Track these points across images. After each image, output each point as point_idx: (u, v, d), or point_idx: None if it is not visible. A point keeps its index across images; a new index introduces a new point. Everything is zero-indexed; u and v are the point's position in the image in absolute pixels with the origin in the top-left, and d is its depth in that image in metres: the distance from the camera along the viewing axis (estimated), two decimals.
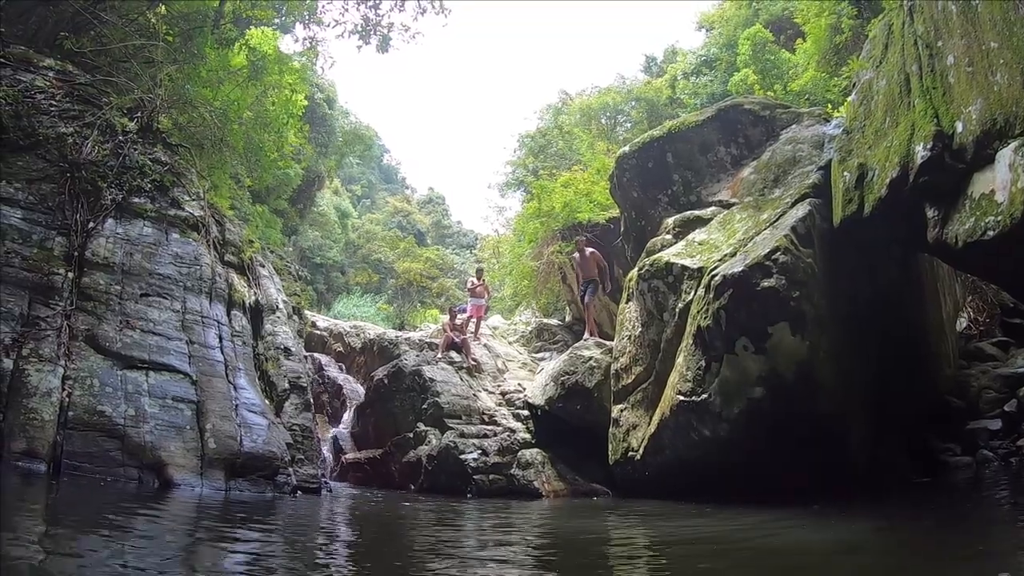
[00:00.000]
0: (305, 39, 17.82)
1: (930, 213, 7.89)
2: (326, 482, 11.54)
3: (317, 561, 5.29)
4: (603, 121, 28.27)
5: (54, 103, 10.27)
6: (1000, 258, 7.14)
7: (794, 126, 12.64)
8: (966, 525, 6.78)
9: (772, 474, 8.84)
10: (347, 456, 15.24)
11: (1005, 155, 6.71)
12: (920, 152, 7.77)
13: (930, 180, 7.71)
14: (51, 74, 10.64)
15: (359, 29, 16.97)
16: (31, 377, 7.97)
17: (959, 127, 7.32)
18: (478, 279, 19.68)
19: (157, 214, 10.48)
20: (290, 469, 9.74)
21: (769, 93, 18.65)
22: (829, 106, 14.47)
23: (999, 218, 6.72)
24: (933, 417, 10.77)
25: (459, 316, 18.50)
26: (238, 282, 11.59)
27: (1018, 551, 5.42)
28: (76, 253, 9.28)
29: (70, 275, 9.06)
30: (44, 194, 9.37)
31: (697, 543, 6.68)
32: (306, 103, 18.16)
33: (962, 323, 13.66)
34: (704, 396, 9.60)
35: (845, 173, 9.56)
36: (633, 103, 27.32)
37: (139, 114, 11.18)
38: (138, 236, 10.10)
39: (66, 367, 8.34)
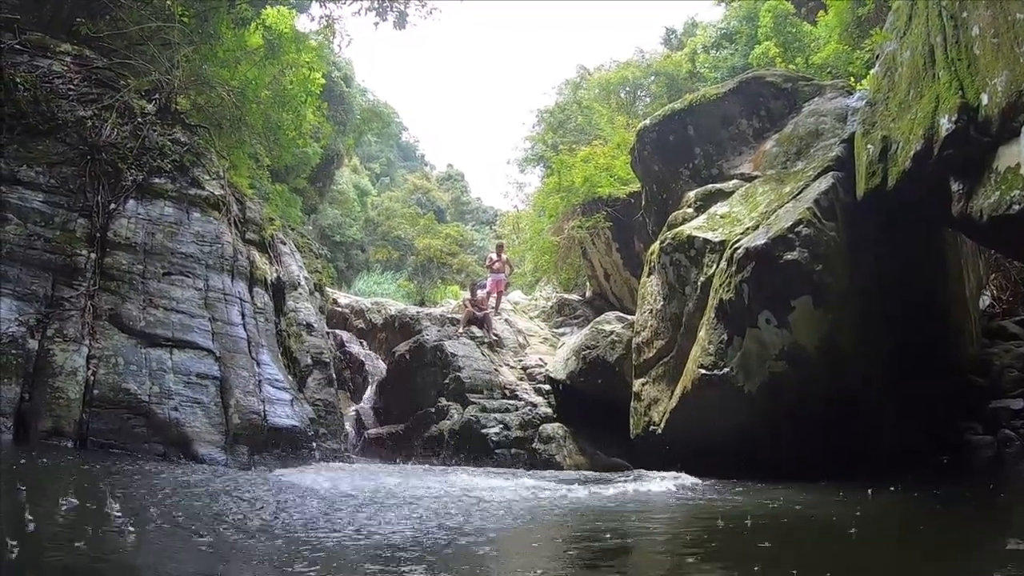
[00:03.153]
0: (321, 17, 17.82)
1: (954, 187, 7.76)
2: (349, 456, 11.63)
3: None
4: (622, 95, 28.02)
5: (72, 87, 10.33)
6: None
7: (816, 99, 12.47)
8: (985, 504, 6.78)
9: (793, 450, 8.83)
10: (369, 431, 15.31)
11: None
12: (945, 125, 7.64)
13: (955, 153, 7.58)
14: (68, 59, 10.69)
15: (376, 5, 16.91)
16: (56, 357, 8.11)
17: (984, 99, 7.18)
18: (498, 254, 19.64)
19: (178, 194, 10.55)
20: (314, 443, 9.84)
21: (791, 66, 18.39)
22: (852, 79, 14.27)
23: None
24: (955, 395, 10.68)
25: (479, 292, 18.50)
26: (259, 259, 11.66)
27: None
28: (98, 234, 9.39)
29: (93, 256, 9.18)
30: (65, 177, 9.46)
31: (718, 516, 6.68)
32: (323, 81, 18.16)
33: (985, 301, 13.50)
34: (726, 370, 9.58)
35: (868, 146, 9.43)
36: (653, 77, 27.02)
37: (157, 96, 11.26)
38: (159, 216, 10.18)
39: (91, 346, 8.46)
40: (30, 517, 4.03)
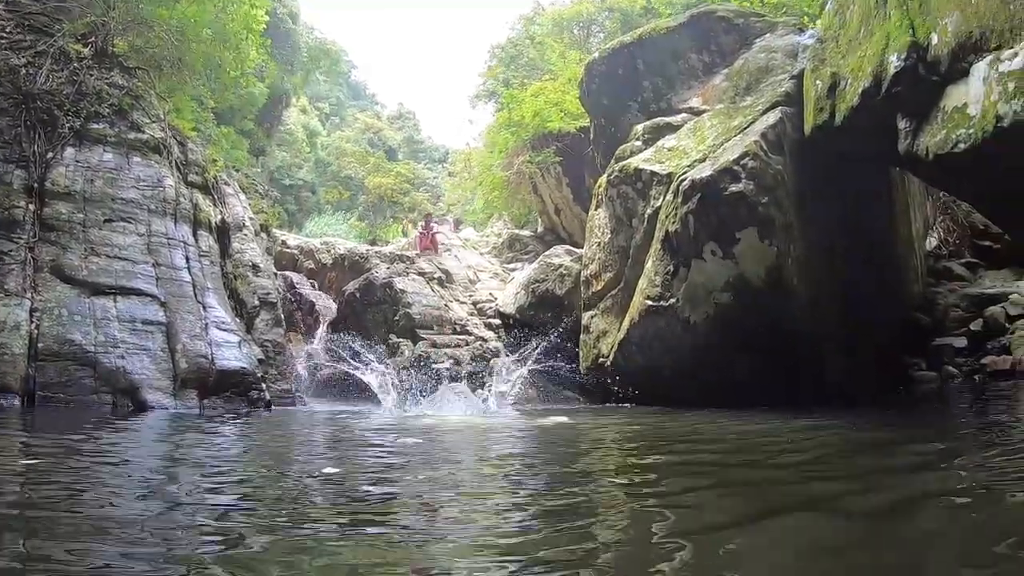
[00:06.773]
0: None
1: (902, 124, 7.83)
2: (300, 397, 11.65)
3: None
4: (575, 31, 27.76)
5: (4, 35, 10.14)
6: (969, 171, 7.16)
7: (768, 35, 12.36)
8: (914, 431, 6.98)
9: (742, 382, 9.02)
10: (322, 372, 15.35)
11: (980, 69, 6.63)
12: (894, 63, 7.69)
13: (903, 91, 7.63)
14: (0, 6, 10.40)
15: None
16: None
17: (934, 39, 7.21)
18: (426, 226, 19.76)
19: (117, 139, 10.39)
20: (263, 385, 9.84)
21: (745, 3, 18.32)
22: (806, 19, 14.24)
23: (971, 131, 6.69)
24: (900, 332, 10.96)
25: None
26: (203, 202, 11.52)
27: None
28: (36, 184, 9.28)
29: (31, 207, 9.08)
30: None
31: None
32: (267, 19, 17.72)
33: (932, 243, 13.79)
34: (672, 301, 9.72)
35: (817, 82, 9.46)
36: (607, 13, 26.77)
37: (93, 39, 11.04)
38: (99, 162, 10.03)
39: (33, 299, 8.40)
40: None
